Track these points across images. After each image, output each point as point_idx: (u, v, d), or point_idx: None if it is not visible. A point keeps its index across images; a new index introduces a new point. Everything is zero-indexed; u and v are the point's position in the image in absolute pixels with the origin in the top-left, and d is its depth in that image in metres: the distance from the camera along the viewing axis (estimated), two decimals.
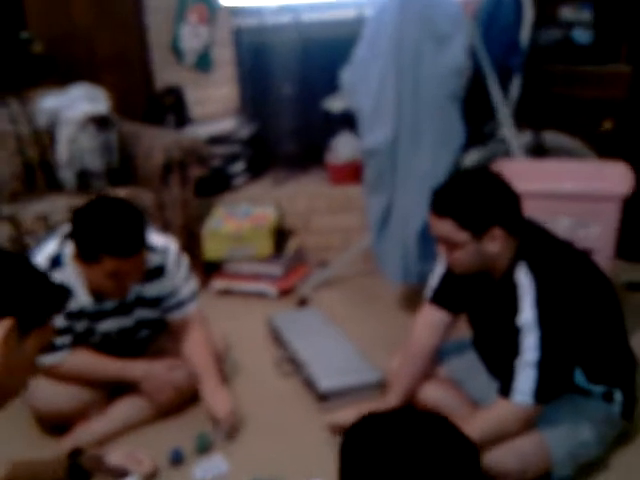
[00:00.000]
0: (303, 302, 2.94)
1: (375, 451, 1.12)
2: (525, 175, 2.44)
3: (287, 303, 2.95)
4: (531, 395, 1.69)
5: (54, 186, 3.06)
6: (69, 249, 2.00)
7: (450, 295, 2.01)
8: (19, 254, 1.79)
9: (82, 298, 2.03)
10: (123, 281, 1.98)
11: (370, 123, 2.64)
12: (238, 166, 3.45)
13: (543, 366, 1.68)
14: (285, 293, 3.01)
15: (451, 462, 1.10)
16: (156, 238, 2.15)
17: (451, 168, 2.56)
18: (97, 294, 2.06)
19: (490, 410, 1.78)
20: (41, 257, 1.99)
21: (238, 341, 2.56)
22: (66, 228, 2.02)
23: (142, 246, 1.97)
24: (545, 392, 1.70)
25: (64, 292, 1.44)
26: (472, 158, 2.71)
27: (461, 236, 1.75)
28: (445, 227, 1.77)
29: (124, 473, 1.70)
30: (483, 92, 2.68)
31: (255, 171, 3.52)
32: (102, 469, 1.71)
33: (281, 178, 3.48)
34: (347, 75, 2.70)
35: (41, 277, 1.40)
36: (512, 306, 1.74)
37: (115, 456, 1.72)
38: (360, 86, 2.65)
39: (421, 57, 2.51)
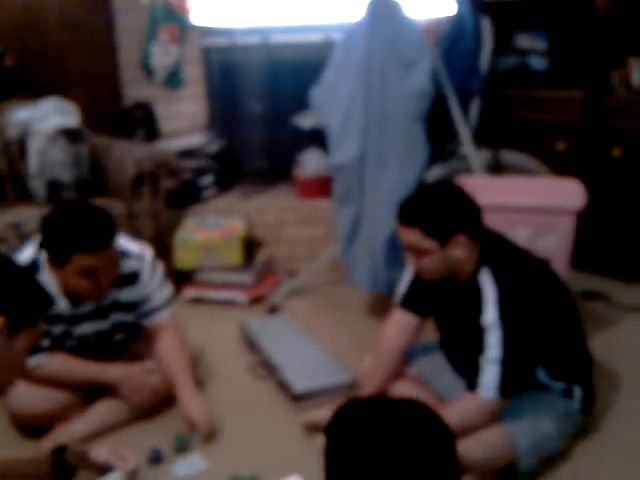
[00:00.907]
0: (274, 310, 3.01)
1: (359, 431, 1.17)
2: (486, 190, 2.58)
3: (258, 311, 3.01)
4: (495, 390, 1.80)
5: (24, 196, 3.07)
6: (44, 255, 2.03)
7: (418, 299, 2.12)
8: (5, 256, 1.82)
9: (59, 302, 2.06)
10: (97, 280, 2.00)
11: (339, 140, 2.76)
12: (207, 179, 3.53)
13: (506, 363, 1.79)
14: (256, 301, 3.08)
15: (430, 444, 1.17)
16: (131, 245, 2.20)
17: (415, 183, 2.69)
18: (74, 298, 2.09)
19: (457, 403, 1.88)
20: (18, 261, 2.02)
21: (211, 347, 2.61)
22: (39, 237, 2.06)
23: (109, 241, 2.00)
24: (508, 387, 1.81)
25: (47, 294, 1.49)
26: (435, 174, 2.85)
27: (427, 243, 1.87)
28: (412, 236, 1.88)
29: (108, 469, 1.73)
30: (445, 113, 2.82)
31: (224, 184, 3.60)
32: (87, 465, 1.73)
33: (249, 191, 3.57)
34: (317, 94, 2.82)
35: (29, 278, 1.45)
36: (476, 308, 1.85)
37: (99, 452, 1.74)
38: (329, 105, 2.77)
39: (388, 80, 2.65)
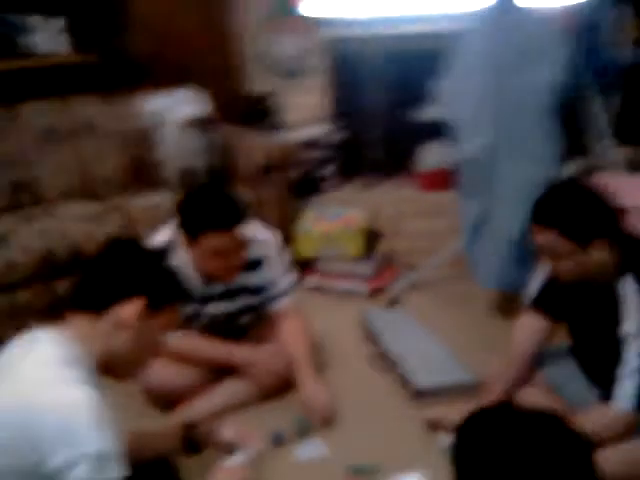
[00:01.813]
0: (393, 303, 3.00)
1: (492, 442, 1.13)
2: (625, 188, 2.44)
3: (377, 303, 3.01)
4: (632, 403, 1.70)
5: (158, 182, 3.22)
6: (180, 236, 2.13)
7: (551, 302, 2.03)
8: (139, 241, 1.94)
9: (193, 282, 2.15)
10: (227, 261, 2.10)
11: (468, 132, 2.69)
12: (328, 170, 3.56)
13: None
14: (375, 292, 3.07)
15: (566, 456, 1.11)
16: (260, 231, 2.28)
17: (547, 179, 2.59)
18: (207, 279, 2.18)
19: (589, 415, 1.78)
20: (156, 244, 2.13)
21: (330, 335, 2.63)
22: (177, 218, 2.16)
23: (238, 221, 2.09)
24: None
25: (180, 276, 1.56)
26: (570, 170, 2.73)
27: (566, 247, 1.77)
28: (547, 237, 1.79)
29: (234, 448, 1.79)
30: (581, 106, 2.70)
31: (345, 175, 3.62)
32: (215, 442, 1.80)
33: (370, 183, 3.57)
34: (445, 85, 2.76)
35: (164, 260, 1.53)
36: (614, 316, 1.76)
37: (228, 431, 1.80)
38: (459, 97, 2.70)
39: (521, 70, 2.54)
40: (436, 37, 3.44)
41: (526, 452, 1.11)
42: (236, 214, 2.09)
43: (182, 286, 1.53)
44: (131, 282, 1.41)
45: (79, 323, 1.40)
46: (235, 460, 1.69)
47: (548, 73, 2.55)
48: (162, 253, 2.01)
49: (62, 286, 2.64)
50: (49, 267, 2.62)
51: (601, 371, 1.84)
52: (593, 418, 1.76)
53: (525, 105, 2.58)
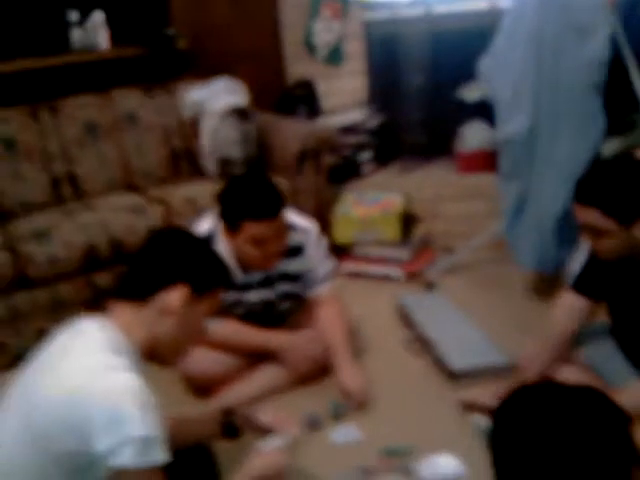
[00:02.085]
0: (430, 286, 3.01)
1: (532, 418, 1.14)
2: None
3: (414, 287, 3.02)
4: None
5: (197, 173, 3.29)
6: (220, 226, 2.18)
7: (592, 283, 2.02)
8: (184, 229, 2.00)
9: (233, 270, 2.21)
10: (267, 249, 2.14)
11: (508, 112, 2.66)
12: (366, 155, 3.57)
13: None
14: (412, 277, 3.09)
15: (605, 431, 1.11)
16: (298, 219, 2.32)
17: (590, 157, 2.55)
18: (246, 267, 2.23)
19: (627, 391, 1.77)
20: (197, 233, 2.19)
21: (367, 320, 2.67)
22: (218, 207, 2.22)
23: (278, 210, 2.13)
24: None
25: (225, 264, 1.60)
26: (612, 147, 2.67)
27: (608, 224, 1.76)
28: (591, 216, 1.78)
29: (271, 432, 1.84)
30: (624, 82, 2.63)
31: (382, 160, 3.63)
32: (252, 427, 1.85)
33: (408, 166, 3.57)
34: (486, 64, 2.73)
35: (208, 247, 1.58)
36: None
37: (265, 415, 1.85)
38: (499, 75, 2.68)
39: (562, 48, 2.51)
40: (476, 16, 3.42)
41: (567, 426, 1.11)
42: (277, 202, 2.13)
43: (226, 271, 1.57)
44: (176, 269, 1.45)
45: (123, 311, 1.44)
46: (272, 444, 1.73)
47: (592, 49, 2.50)
48: (206, 239, 2.08)
49: (103, 279, 2.71)
50: (91, 261, 2.69)
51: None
52: (632, 393, 1.75)
53: (568, 82, 2.54)
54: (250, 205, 2.10)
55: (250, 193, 2.12)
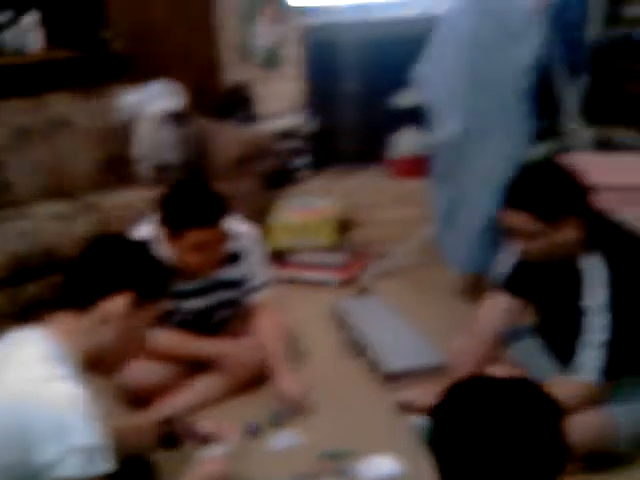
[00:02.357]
0: (364, 291, 3.08)
1: (472, 409, 1.19)
2: (595, 168, 2.53)
3: (349, 292, 3.09)
4: (597, 373, 1.80)
5: (132, 179, 3.25)
6: (162, 231, 2.19)
7: (521, 284, 2.11)
8: (125, 235, 2.00)
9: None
10: (207, 256, 2.16)
11: (442, 116, 2.73)
12: (302, 160, 3.62)
13: (611, 346, 1.78)
14: (347, 282, 3.16)
15: (542, 421, 1.17)
16: (238, 225, 2.34)
17: (519, 161, 2.65)
18: (184, 275, 2.24)
19: (555, 385, 1.85)
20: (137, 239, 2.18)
21: (304, 326, 2.72)
22: (159, 214, 2.22)
23: (221, 217, 2.15)
24: (611, 371, 1.80)
25: (169, 269, 1.61)
26: (540, 151, 2.79)
27: (537, 227, 1.85)
28: (519, 219, 1.87)
29: (211, 441, 1.87)
30: (551, 87, 2.75)
31: (318, 165, 3.69)
32: (192, 436, 1.87)
33: (343, 172, 3.64)
34: (421, 70, 2.78)
35: (150, 253, 1.56)
36: (577, 290, 1.85)
37: (206, 424, 1.88)
38: (433, 80, 2.74)
39: (494, 53, 2.60)
40: (412, 23, 3.50)
41: (505, 418, 1.17)
42: (220, 209, 2.15)
43: (169, 278, 1.58)
44: (118, 276, 1.44)
45: (64, 320, 1.43)
46: (214, 452, 1.76)
47: (523, 54, 2.61)
48: (148, 245, 2.07)
49: (33, 290, 2.65)
50: (22, 270, 2.62)
51: (566, 346, 1.93)
52: (560, 388, 1.85)
53: (498, 87, 2.64)
54: (195, 212, 2.11)
55: (194, 200, 2.13)
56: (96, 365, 1.46)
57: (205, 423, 1.89)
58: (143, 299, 1.46)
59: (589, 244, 1.87)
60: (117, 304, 1.43)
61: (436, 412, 1.26)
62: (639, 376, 1.93)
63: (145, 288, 1.47)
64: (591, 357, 1.81)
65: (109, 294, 1.43)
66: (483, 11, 2.62)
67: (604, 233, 1.90)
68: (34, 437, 1.26)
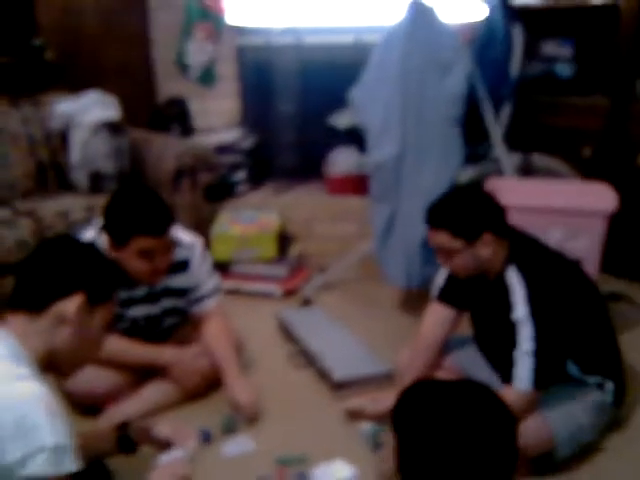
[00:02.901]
0: (307, 302, 3.11)
1: (430, 410, 1.24)
2: (519, 191, 2.70)
3: (291, 303, 3.11)
4: (529, 382, 1.89)
5: (65, 186, 3.18)
6: (103, 240, 2.13)
7: (454, 293, 2.22)
8: (76, 237, 1.93)
9: None
10: (155, 264, 2.11)
11: (377, 140, 2.85)
12: (240, 175, 3.64)
13: (538, 355, 1.88)
14: (289, 294, 3.18)
15: (495, 420, 1.24)
16: (183, 234, 2.31)
17: (450, 184, 2.79)
18: (129, 282, 2.19)
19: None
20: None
21: (249, 336, 2.70)
22: (99, 221, 2.16)
23: (168, 226, 2.12)
24: (541, 378, 1.90)
25: (120, 269, 1.58)
26: (467, 175, 2.94)
27: (456, 244, 1.99)
28: (441, 238, 2.01)
29: (169, 445, 1.82)
30: (477, 116, 2.91)
31: (256, 180, 3.71)
32: (149, 440, 1.83)
33: (281, 187, 3.67)
34: (356, 94, 2.91)
35: (100, 254, 1.55)
36: (506, 304, 1.95)
37: (163, 428, 1.83)
38: (368, 105, 2.86)
39: (425, 82, 2.74)
40: (346, 49, 3.61)
41: (461, 416, 1.22)
42: (167, 218, 2.11)
43: (120, 278, 1.54)
44: (70, 277, 1.42)
45: (18, 322, 1.40)
46: (173, 456, 1.72)
47: (451, 84, 2.77)
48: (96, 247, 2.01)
49: None
50: None
51: (499, 356, 2.03)
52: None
53: (430, 114, 2.77)
54: (140, 220, 2.06)
55: (139, 208, 2.08)
56: (52, 367, 1.43)
57: (162, 428, 1.85)
58: (95, 300, 1.45)
59: (511, 260, 1.99)
60: (71, 305, 1.41)
61: (395, 413, 1.30)
62: (567, 382, 2.05)
63: (97, 289, 1.45)
64: (523, 367, 1.90)
65: (61, 296, 1.41)
66: (414, 40, 2.75)
67: (523, 249, 2.02)
68: (1, 435, 1.22)
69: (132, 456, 1.81)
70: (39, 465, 1.22)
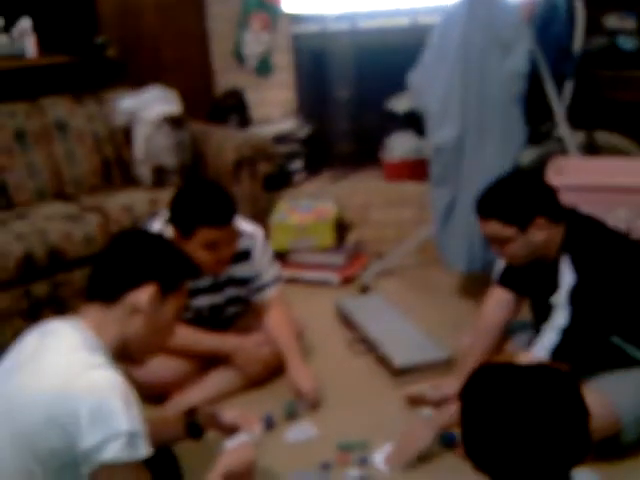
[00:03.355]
0: (365, 290, 3.13)
1: (497, 393, 1.25)
2: (583, 170, 2.64)
3: (349, 291, 3.13)
4: (547, 351, 1.90)
5: (130, 181, 3.27)
6: (169, 231, 2.21)
7: (514, 278, 2.20)
8: (148, 230, 2.01)
9: None
10: (219, 254, 2.18)
11: (437, 122, 2.83)
12: (297, 164, 3.67)
13: (567, 333, 1.88)
14: (347, 281, 3.20)
15: (565, 411, 1.22)
16: (245, 224, 2.38)
17: (512, 164, 2.74)
18: (197, 272, 2.26)
19: (515, 358, 1.92)
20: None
21: (308, 325, 2.73)
22: (166, 212, 2.24)
23: (232, 217, 2.18)
24: (560, 353, 1.88)
25: (190, 260, 1.65)
26: (530, 155, 2.89)
27: (508, 232, 1.97)
28: (492, 227, 1.99)
29: (235, 430, 1.88)
30: (540, 94, 2.85)
31: (313, 169, 3.74)
32: (216, 426, 1.89)
33: (338, 175, 3.69)
34: (415, 77, 2.89)
35: (172, 246, 1.61)
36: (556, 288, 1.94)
37: (229, 414, 1.90)
38: (428, 88, 2.84)
39: (486, 62, 2.71)
40: (402, 32, 3.59)
41: (533, 400, 1.22)
42: (230, 209, 2.18)
43: (191, 267, 1.61)
44: (143, 268, 1.48)
45: (93, 312, 1.47)
46: (239, 441, 1.78)
47: (514, 62, 2.72)
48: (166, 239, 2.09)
49: (41, 289, 2.66)
50: (28, 270, 2.62)
51: None
52: (518, 360, 1.91)
53: (492, 94, 2.74)
54: (205, 212, 2.13)
55: (205, 200, 2.16)
56: (125, 355, 1.50)
57: (227, 413, 1.90)
58: (167, 290, 1.50)
59: (566, 246, 1.96)
60: (144, 295, 1.46)
61: (464, 395, 1.31)
62: (631, 365, 1.99)
63: (169, 279, 1.51)
64: (548, 338, 1.91)
65: (135, 286, 1.46)
66: (474, 20, 2.71)
67: (579, 232, 1.99)
68: (77, 423, 1.29)
69: (198, 442, 1.88)
70: (115, 451, 1.29)
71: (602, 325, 1.93)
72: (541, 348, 1.92)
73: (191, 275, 1.62)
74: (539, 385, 1.26)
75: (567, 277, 1.92)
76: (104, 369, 1.36)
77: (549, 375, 1.28)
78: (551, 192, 2.00)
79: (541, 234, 1.95)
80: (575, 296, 1.89)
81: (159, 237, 1.65)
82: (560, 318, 1.91)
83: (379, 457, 2.01)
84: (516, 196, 1.98)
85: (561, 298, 1.91)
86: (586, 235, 2.00)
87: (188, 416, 1.87)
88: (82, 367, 1.35)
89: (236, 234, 2.23)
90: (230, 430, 1.86)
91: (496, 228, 1.98)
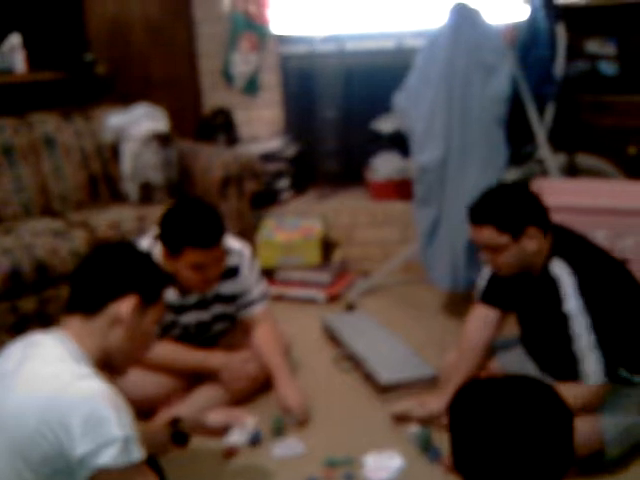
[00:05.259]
0: (351, 307, 3.15)
1: (488, 407, 1.25)
2: (564, 192, 2.69)
3: (335, 308, 3.16)
4: (601, 375, 1.89)
5: (117, 198, 3.28)
6: (158, 249, 2.22)
7: (498, 294, 2.23)
8: (129, 242, 2.02)
9: (169, 293, 2.24)
10: (206, 274, 2.19)
11: (422, 143, 2.88)
12: (284, 182, 3.70)
13: (601, 346, 1.88)
14: (333, 299, 3.23)
15: (554, 418, 1.23)
16: (233, 241, 2.39)
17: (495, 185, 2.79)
18: (182, 290, 2.27)
19: (571, 387, 1.86)
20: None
21: (294, 342, 2.74)
22: (155, 230, 2.25)
23: (220, 238, 2.19)
24: (609, 368, 1.89)
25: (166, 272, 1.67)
26: (512, 176, 2.94)
27: (502, 240, 1.99)
28: (486, 234, 2.01)
29: (225, 431, 1.89)
30: (522, 117, 2.91)
31: (299, 187, 3.77)
32: (204, 430, 1.90)
33: (324, 194, 3.72)
34: (400, 99, 2.94)
35: (151, 258, 1.63)
36: (555, 297, 1.95)
37: (216, 416, 1.91)
38: (413, 109, 2.90)
39: (469, 84, 2.77)
40: (385, 54, 3.65)
41: (518, 413, 1.23)
42: (218, 231, 2.18)
43: (168, 280, 1.62)
44: (124, 280, 1.51)
45: (74, 325, 1.49)
46: (239, 434, 1.79)
47: (496, 86, 2.79)
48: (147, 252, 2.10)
49: (28, 304, 2.65)
50: (15, 285, 2.62)
51: (548, 355, 2.04)
52: (569, 391, 1.92)
53: (475, 116, 2.80)
54: (193, 233, 2.14)
55: (193, 221, 2.16)
56: (106, 366, 1.52)
57: (213, 416, 1.92)
58: (148, 301, 1.53)
59: (556, 253, 1.99)
60: (125, 306, 1.49)
61: (452, 411, 1.32)
62: (615, 382, 2.01)
63: (148, 291, 1.54)
64: (591, 361, 1.89)
65: (116, 297, 1.49)
66: (458, 44, 2.78)
67: (569, 243, 2.03)
68: (70, 431, 1.30)
69: (185, 449, 1.89)
70: (110, 456, 1.31)
71: (618, 328, 1.94)
72: (591, 375, 1.89)
73: (167, 285, 1.64)
74: (528, 398, 1.27)
75: (566, 280, 1.92)
76: (90, 379, 1.39)
77: (535, 388, 1.30)
78: (542, 205, 2.03)
79: (532, 243, 1.98)
80: (586, 295, 1.90)
81: (138, 250, 1.68)
82: (585, 334, 1.88)
83: (369, 460, 2.04)
84: (511, 204, 2.01)
85: (572, 303, 1.89)
86: (576, 245, 2.04)
87: (172, 425, 1.88)
88: (71, 376, 1.37)
89: (223, 255, 2.24)
90: (221, 432, 1.88)
91: (490, 235, 2.00)
